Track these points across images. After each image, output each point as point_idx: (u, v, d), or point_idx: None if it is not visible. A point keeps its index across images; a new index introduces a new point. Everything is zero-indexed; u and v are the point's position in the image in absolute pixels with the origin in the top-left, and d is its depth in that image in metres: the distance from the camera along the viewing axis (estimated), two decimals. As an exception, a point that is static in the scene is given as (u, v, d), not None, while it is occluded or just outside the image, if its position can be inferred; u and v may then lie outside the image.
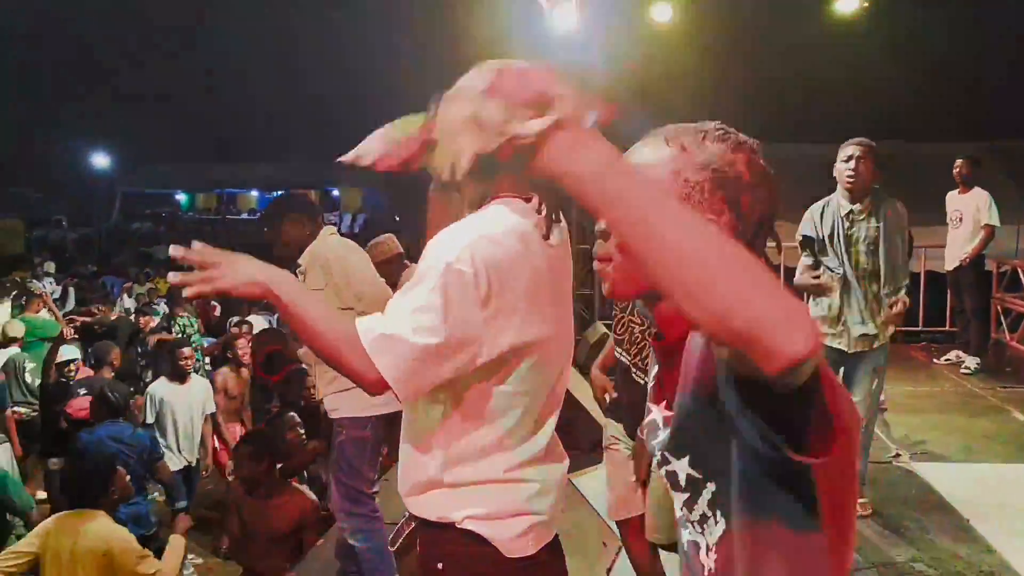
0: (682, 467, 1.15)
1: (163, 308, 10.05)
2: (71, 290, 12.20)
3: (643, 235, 0.86)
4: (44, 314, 8.16)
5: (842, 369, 4.11)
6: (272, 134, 32.16)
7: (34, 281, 10.84)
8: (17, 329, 7.11)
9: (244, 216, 31.81)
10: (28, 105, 31.94)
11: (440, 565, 1.66)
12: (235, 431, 6.25)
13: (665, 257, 0.84)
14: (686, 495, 1.17)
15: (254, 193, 33.46)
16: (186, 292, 1.55)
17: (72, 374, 6.37)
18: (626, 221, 0.87)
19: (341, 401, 3.25)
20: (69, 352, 6.64)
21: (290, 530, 4.12)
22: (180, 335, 8.10)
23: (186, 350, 6.03)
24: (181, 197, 34.61)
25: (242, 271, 1.55)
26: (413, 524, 2.01)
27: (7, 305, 8.58)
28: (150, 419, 5.73)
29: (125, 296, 12.20)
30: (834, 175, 4.10)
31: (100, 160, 32.26)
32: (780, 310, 0.81)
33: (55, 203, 30.20)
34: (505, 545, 1.63)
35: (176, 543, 3.63)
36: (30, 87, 32.98)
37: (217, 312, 9.94)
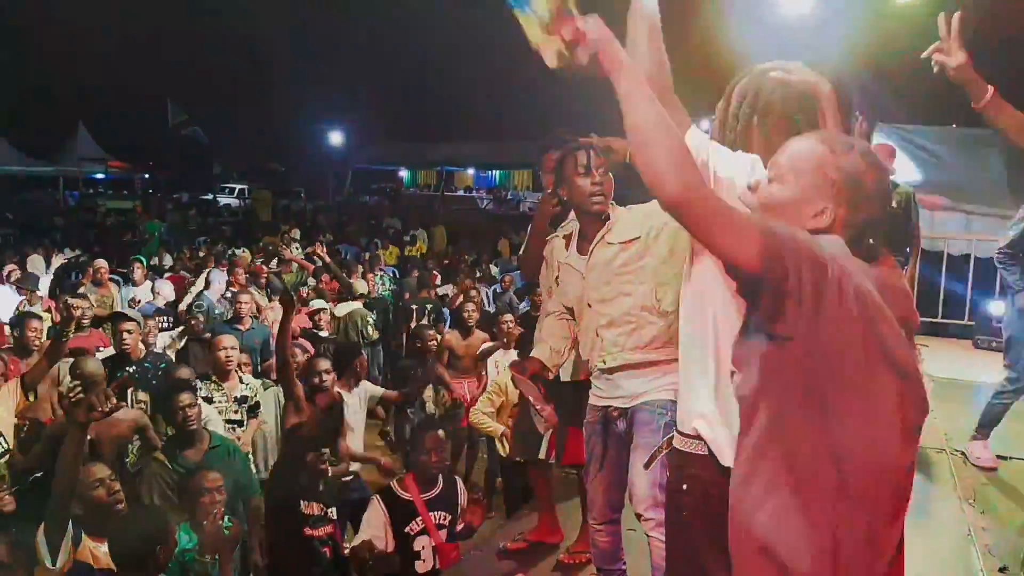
0: None
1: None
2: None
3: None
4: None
5: None
6: (488, 115, 33.46)
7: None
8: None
9: (460, 192, 33.47)
10: (277, 87, 35.16)
11: None
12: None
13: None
14: None
15: (470, 171, 35.02)
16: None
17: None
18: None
19: None
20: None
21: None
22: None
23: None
24: (404, 173, 36.81)
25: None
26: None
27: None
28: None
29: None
30: None
31: (335, 138, 34.93)
32: (670, 167, 1.57)
33: (296, 177, 33.22)
34: None
35: None
36: (281, 73, 36.22)
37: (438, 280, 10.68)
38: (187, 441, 4.23)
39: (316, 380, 4.81)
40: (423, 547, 3.59)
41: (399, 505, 3.65)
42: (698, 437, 1.99)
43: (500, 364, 6.07)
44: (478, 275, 12.37)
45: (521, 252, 3.73)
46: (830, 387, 1.54)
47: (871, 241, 1.70)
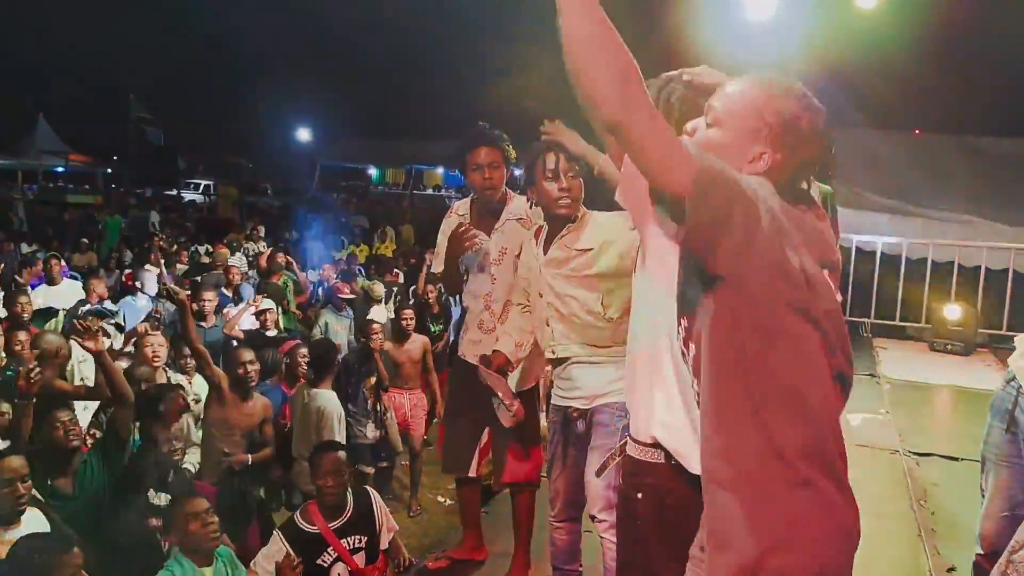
0: None
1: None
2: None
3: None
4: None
5: None
6: (458, 114, 33.43)
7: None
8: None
9: (429, 191, 33.30)
10: (244, 81, 34.78)
11: None
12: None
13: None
14: None
15: (439, 170, 34.89)
16: None
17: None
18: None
19: None
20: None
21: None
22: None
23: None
24: (372, 171, 36.60)
25: None
26: None
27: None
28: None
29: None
30: None
31: (303, 134, 34.66)
32: (612, 82, 1.48)
33: (263, 173, 32.89)
34: None
35: None
36: (247, 65, 35.83)
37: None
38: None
39: (240, 371, 4.69)
40: (339, 575, 3.44)
41: (306, 539, 3.43)
42: (655, 445, 1.98)
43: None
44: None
45: (441, 271, 3.66)
46: (756, 337, 1.53)
47: (804, 185, 1.71)
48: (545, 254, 3.08)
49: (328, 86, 35.36)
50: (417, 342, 6.06)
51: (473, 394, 3.39)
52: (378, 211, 23.19)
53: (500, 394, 2.96)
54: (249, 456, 4.65)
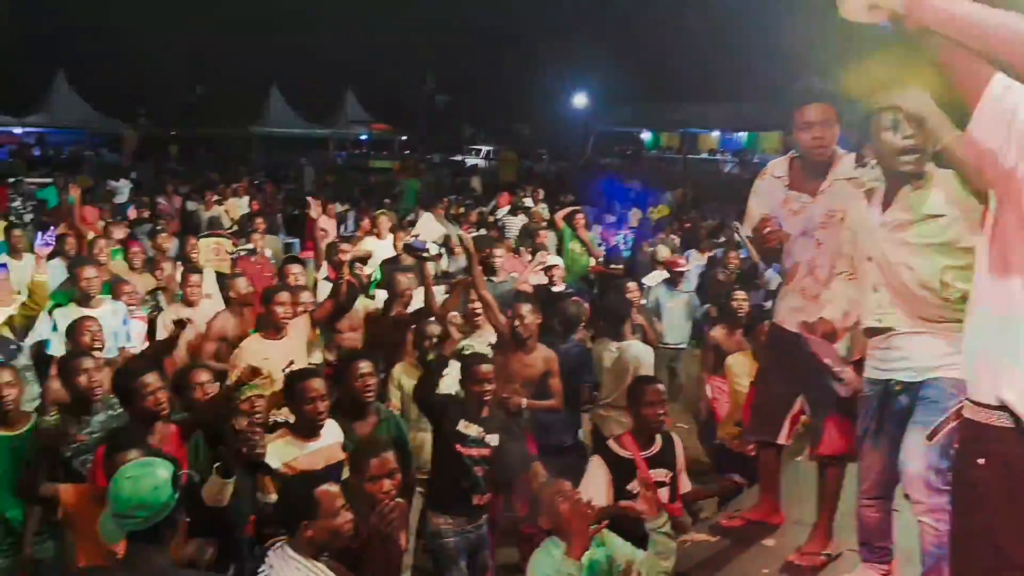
0: None
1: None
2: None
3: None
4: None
5: None
6: (734, 75, 32.11)
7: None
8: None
9: (704, 156, 32.54)
10: (524, 50, 36.04)
11: None
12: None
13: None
14: None
15: (715, 133, 33.94)
16: None
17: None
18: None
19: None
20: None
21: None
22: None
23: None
24: (646, 136, 36.45)
25: None
26: None
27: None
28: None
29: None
30: None
31: (580, 100, 35.26)
32: None
33: (541, 139, 34.04)
34: None
35: None
36: (528, 33, 37.07)
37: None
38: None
39: (517, 324, 4.96)
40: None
41: (619, 463, 3.63)
42: (1001, 408, 1.82)
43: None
44: (722, 240, 12.03)
45: (751, 235, 3.46)
46: None
47: None
48: (883, 215, 2.86)
49: (604, 52, 35.56)
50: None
51: (789, 361, 3.30)
52: (651, 176, 23.07)
53: (829, 362, 2.83)
54: (524, 400, 4.89)
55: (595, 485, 3.58)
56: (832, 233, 3.28)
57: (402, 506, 3.60)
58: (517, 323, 5.03)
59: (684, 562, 3.43)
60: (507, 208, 13.98)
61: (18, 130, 29.69)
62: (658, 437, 3.80)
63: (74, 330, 4.75)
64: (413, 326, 5.29)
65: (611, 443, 3.82)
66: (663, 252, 8.30)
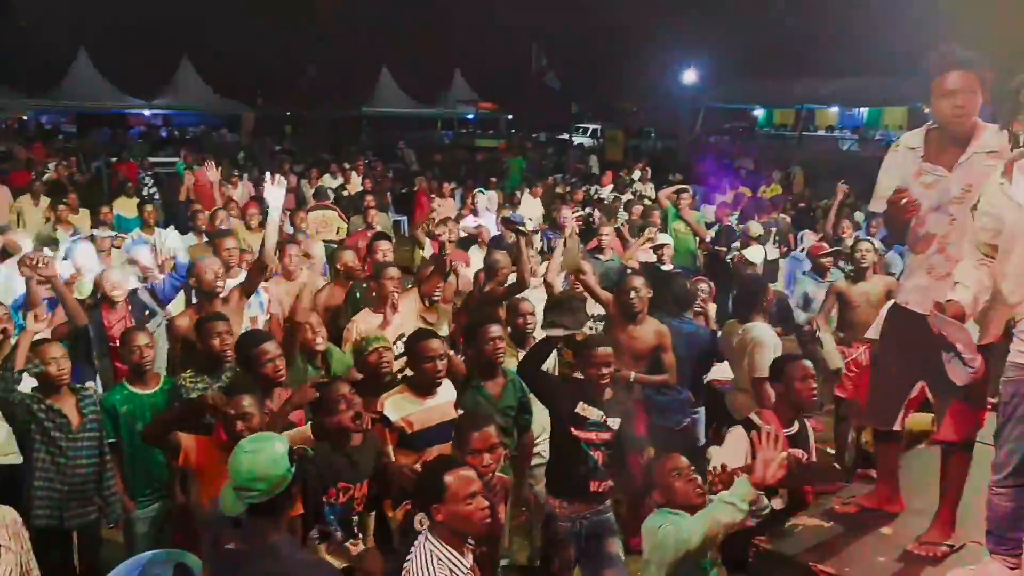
0: None
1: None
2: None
3: None
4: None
5: None
6: (854, 48, 30.60)
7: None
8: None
9: (821, 133, 31.22)
10: (632, 25, 35.40)
11: None
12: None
13: None
14: None
15: (834, 109, 32.51)
16: None
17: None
18: None
19: None
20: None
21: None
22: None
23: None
24: (759, 112, 35.30)
25: None
26: None
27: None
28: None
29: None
30: None
31: (689, 76, 34.37)
32: None
33: (647, 116, 33.46)
34: None
35: None
36: (636, 11, 36.38)
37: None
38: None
39: (625, 298, 5.06)
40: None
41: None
42: None
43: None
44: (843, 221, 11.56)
45: (882, 210, 3.25)
46: None
47: None
48: None
49: (715, 25, 34.47)
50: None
51: (911, 344, 3.15)
52: (764, 154, 22.38)
53: (960, 346, 2.67)
54: (633, 373, 4.86)
55: (735, 451, 3.58)
56: (966, 208, 3.07)
57: (503, 480, 3.65)
58: (631, 295, 5.02)
59: (793, 546, 3.34)
60: (611, 187, 13.89)
61: (147, 112, 31.46)
62: (795, 420, 3.81)
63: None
64: (505, 302, 5.33)
65: (754, 416, 3.81)
66: (755, 229, 8.12)
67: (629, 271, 6.51)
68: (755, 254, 7.52)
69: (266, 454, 2.58)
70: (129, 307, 5.31)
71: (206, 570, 2.96)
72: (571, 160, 22.86)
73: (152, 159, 17.20)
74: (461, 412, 3.92)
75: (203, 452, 3.46)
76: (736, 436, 3.69)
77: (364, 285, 5.60)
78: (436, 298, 5.31)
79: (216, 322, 4.38)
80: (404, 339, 4.47)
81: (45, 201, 10.14)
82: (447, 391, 4.09)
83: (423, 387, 4.00)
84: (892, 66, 22.63)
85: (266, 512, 2.58)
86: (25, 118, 29.33)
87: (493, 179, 15.03)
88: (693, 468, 3.27)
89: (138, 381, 4.29)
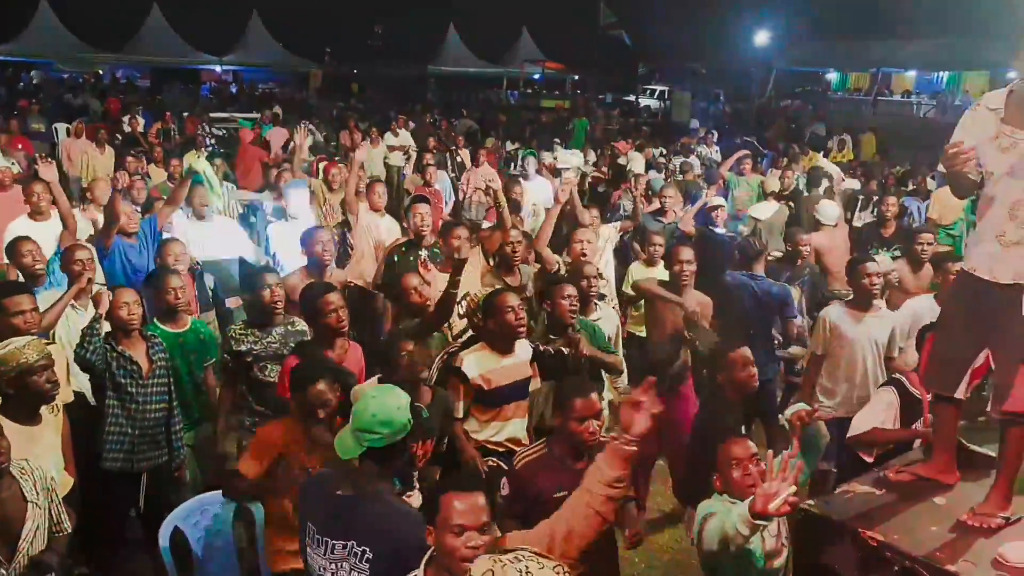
0: None
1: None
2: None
3: None
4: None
5: None
6: (935, 8, 29.22)
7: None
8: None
9: (897, 98, 30.05)
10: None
11: None
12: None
13: None
14: None
15: (911, 73, 31.24)
16: None
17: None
18: None
19: None
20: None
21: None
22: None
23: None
24: (832, 76, 34.16)
25: None
26: None
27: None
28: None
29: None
30: None
31: (761, 38, 33.41)
32: None
33: (717, 79, 32.69)
34: None
35: None
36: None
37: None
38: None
39: (676, 268, 5.22)
40: None
41: (909, 401, 3.82)
42: None
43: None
44: (911, 188, 11.25)
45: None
46: None
47: None
48: None
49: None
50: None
51: (977, 312, 3.08)
52: (836, 118, 21.71)
53: None
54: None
55: (884, 412, 3.75)
56: None
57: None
58: (676, 267, 5.13)
59: (841, 511, 3.33)
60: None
61: (218, 68, 32.02)
62: None
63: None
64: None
65: (904, 379, 3.96)
66: (772, 184, 8.20)
67: (679, 239, 6.51)
68: (764, 209, 7.71)
69: (392, 400, 2.73)
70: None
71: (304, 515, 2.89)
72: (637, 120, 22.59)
73: (217, 114, 17.50)
74: (566, 379, 3.75)
75: (289, 434, 3.44)
76: (886, 396, 3.79)
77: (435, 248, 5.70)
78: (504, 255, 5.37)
79: (266, 275, 4.49)
80: (467, 298, 4.55)
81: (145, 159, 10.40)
82: (523, 350, 4.17)
83: (502, 344, 4.08)
84: (974, 28, 21.62)
85: (381, 459, 2.71)
86: (101, 71, 30.07)
87: (557, 140, 14.97)
88: (756, 456, 3.22)
89: (168, 320, 4.44)
